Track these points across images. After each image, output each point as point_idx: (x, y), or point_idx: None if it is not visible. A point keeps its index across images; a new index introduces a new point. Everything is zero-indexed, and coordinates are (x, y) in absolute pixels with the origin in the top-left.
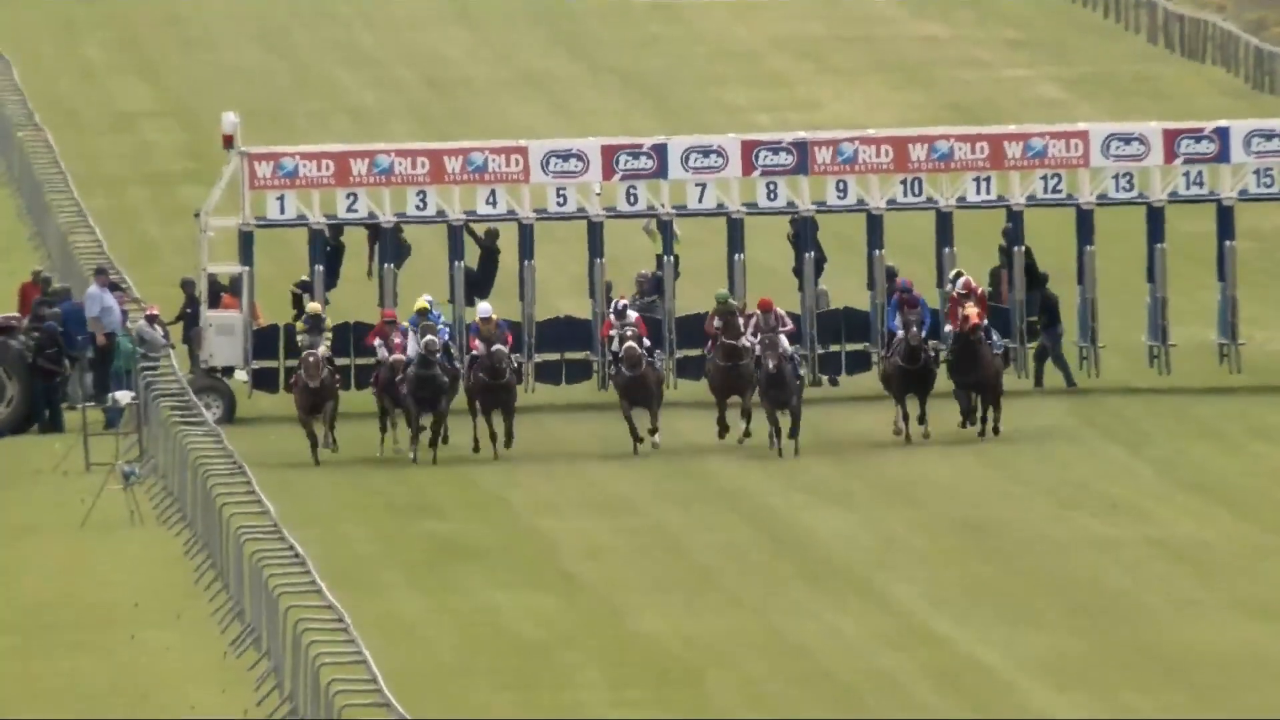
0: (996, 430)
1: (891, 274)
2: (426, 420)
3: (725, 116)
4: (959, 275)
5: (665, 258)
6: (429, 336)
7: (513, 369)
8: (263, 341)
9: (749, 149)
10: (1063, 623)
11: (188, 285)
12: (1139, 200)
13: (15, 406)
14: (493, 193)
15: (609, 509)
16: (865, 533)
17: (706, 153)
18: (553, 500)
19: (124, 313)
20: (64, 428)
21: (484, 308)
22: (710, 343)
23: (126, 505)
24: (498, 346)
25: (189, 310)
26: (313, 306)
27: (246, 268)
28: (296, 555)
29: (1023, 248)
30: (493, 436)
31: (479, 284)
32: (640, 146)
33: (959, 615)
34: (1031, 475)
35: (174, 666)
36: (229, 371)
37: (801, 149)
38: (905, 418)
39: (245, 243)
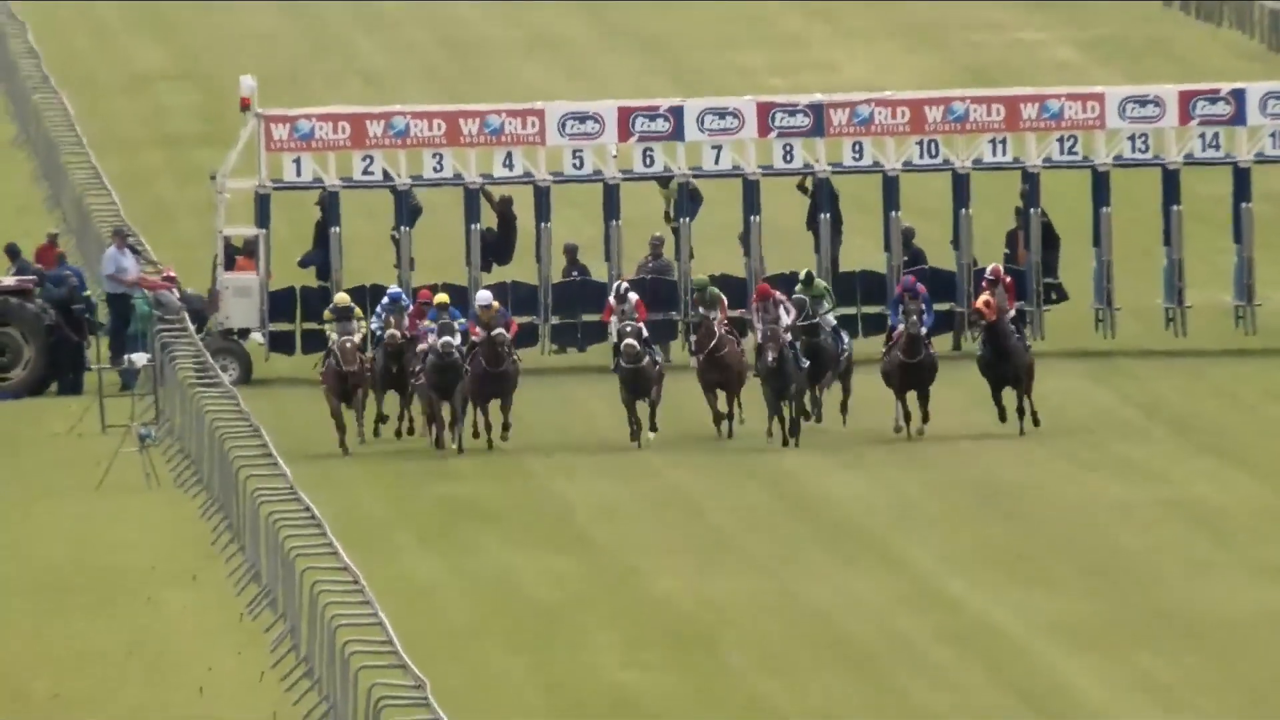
0: (1035, 421)
1: (909, 235)
2: (446, 411)
3: (740, 79)
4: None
5: (682, 220)
6: (446, 338)
7: (512, 358)
8: (279, 304)
9: (765, 111)
10: (1077, 585)
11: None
12: (1155, 162)
13: (32, 369)
14: (509, 155)
15: (624, 472)
16: (880, 495)
17: (722, 115)
18: (568, 463)
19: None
20: (83, 389)
21: (484, 295)
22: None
23: (142, 467)
24: (499, 330)
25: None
26: (341, 297)
27: (263, 230)
28: (313, 517)
29: (1039, 210)
30: (488, 426)
31: (498, 251)
32: (657, 109)
33: (973, 578)
34: (1047, 436)
35: (190, 628)
36: (245, 334)
37: (817, 111)
38: (907, 417)
39: (261, 205)
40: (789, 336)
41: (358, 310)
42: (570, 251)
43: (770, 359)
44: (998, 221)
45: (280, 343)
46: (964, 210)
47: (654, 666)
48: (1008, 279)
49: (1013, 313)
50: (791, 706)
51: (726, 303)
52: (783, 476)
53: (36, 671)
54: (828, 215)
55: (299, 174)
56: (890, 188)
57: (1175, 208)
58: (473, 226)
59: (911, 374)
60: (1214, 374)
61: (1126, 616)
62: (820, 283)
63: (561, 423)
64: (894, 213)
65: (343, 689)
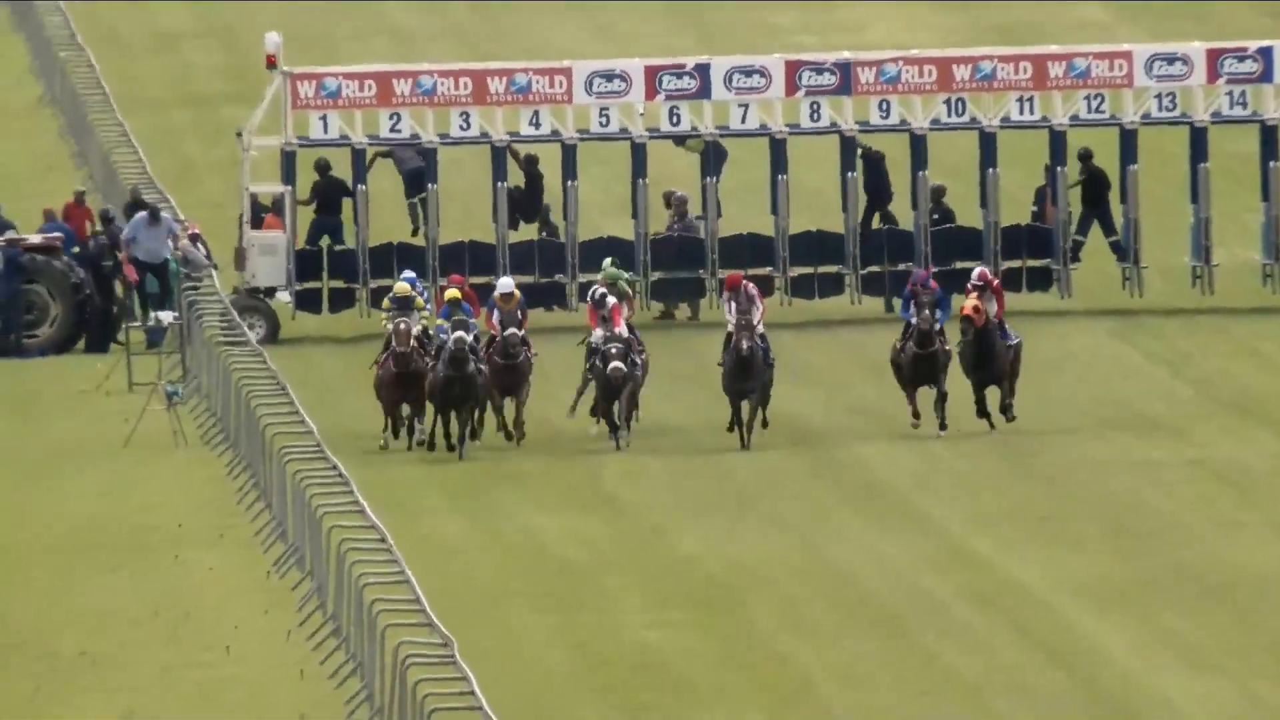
0: (1010, 417)
1: (939, 193)
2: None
3: (768, 37)
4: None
5: (709, 179)
6: (459, 333)
7: (528, 354)
8: (305, 262)
9: (792, 69)
10: (1103, 544)
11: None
12: (1182, 120)
13: (59, 326)
14: (536, 114)
15: (651, 432)
16: (906, 455)
17: (749, 73)
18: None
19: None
20: (110, 348)
21: (505, 283)
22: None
23: (169, 426)
24: (511, 331)
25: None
26: (401, 287)
27: (289, 188)
28: (340, 476)
29: (1065, 168)
30: (502, 425)
31: (524, 208)
32: (683, 67)
33: (999, 537)
34: (1073, 395)
35: (217, 587)
36: (271, 292)
37: (845, 69)
38: (917, 415)
39: (287, 163)
40: (761, 329)
41: (419, 301)
42: (680, 203)
43: (744, 348)
44: (1028, 178)
45: (307, 301)
46: (991, 169)
47: (679, 626)
48: (994, 281)
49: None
50: (817, 666)
51: (633, 297)
52: (809, 437)
53: (64, 629)
54: (853, 174)
55: (325, 132)
56: (918, 146)
57: (1202, 166)
58: (500, 184)
59: (923, 365)
60: (1240, 332)
61: (1152, 575)
62: (613, 271)
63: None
64: (921, 171)
65: (369, 647)
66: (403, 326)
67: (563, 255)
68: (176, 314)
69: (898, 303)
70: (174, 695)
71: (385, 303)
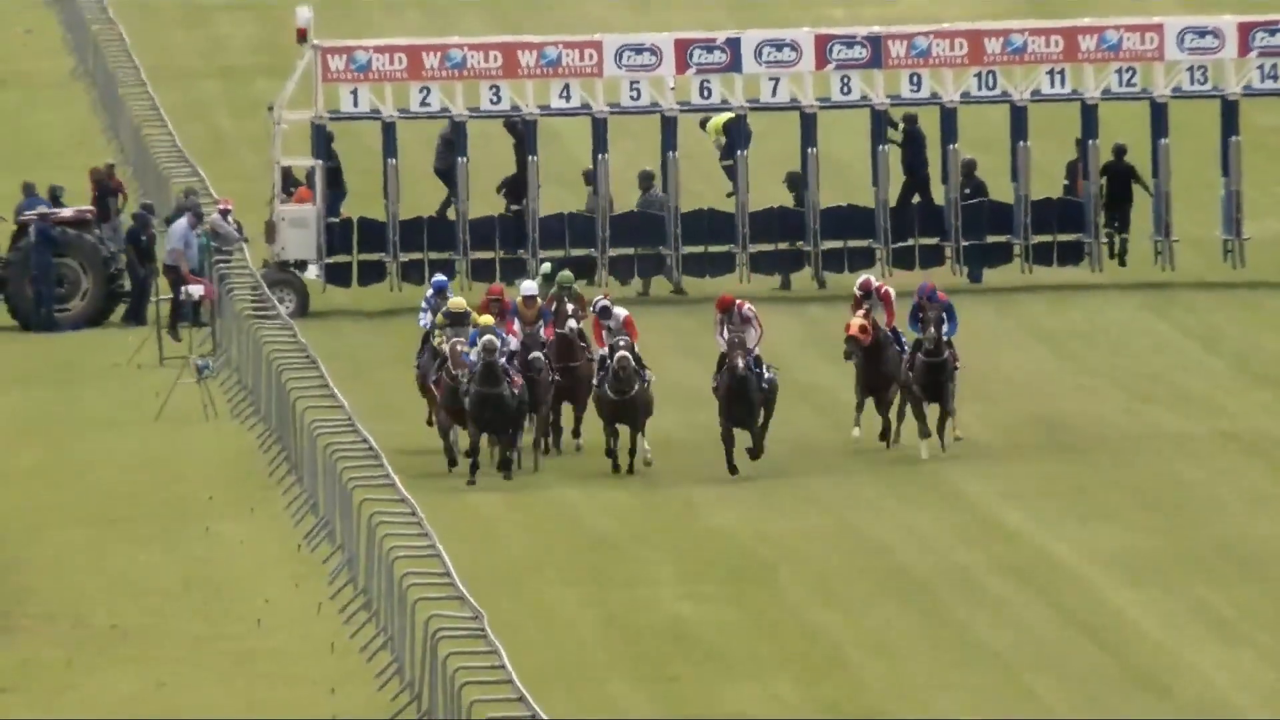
0: (889, 440)
1: (970, 167)
2: (493, 445)
3: (798, 11)
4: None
5: (738, 153)
6: (488, 336)
7: (549, 376)
8: (336, 236)
9: (823, 43)
10: (1135, 517)
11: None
12: (1213, 93)
13: (90, 300)
14: (566, 87)
15: (682, 404)
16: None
17: (780, 46)
18: None
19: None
20: (146, 319)
21: (529, 286)
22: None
23: (200, 399)
24: (535, 355)
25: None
26: (456, 302)
27: (319, 161)
28: (370, 449)
29: (1096, 141)
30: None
31: (517, 186)
32: (714, 40)
33: (1032, 510)
34: (1105, 369)
35: (248, 560)
36: (302, 265)
37: (875, 43)
38: (925, 434)
39: (318, 136)
40: (757, 351)
41: (475, 316)
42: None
43: (739, 366)
44: (1059, 152)
45: (337, 275)
46: (1022, 142)
47: (711, 599)
48: (881, 287)
49: (893, 325)
50: (849, 639)
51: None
52: (840, 409)
53: (95, 601)
54: (885, 147)
55: (356, 105)
56: (948, 119)
57: (1234, 139)
58: (530, 158)
59: (933, 373)
60: (1272, 305)
61: (1184, 548)
62: (566, 274)
63: None
64: (952, 145)
65: (400, 620)
66: (459, 347)
67: (593, 229)
68: (207, 287)
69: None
70: (205, 667)
71: (439, 318)
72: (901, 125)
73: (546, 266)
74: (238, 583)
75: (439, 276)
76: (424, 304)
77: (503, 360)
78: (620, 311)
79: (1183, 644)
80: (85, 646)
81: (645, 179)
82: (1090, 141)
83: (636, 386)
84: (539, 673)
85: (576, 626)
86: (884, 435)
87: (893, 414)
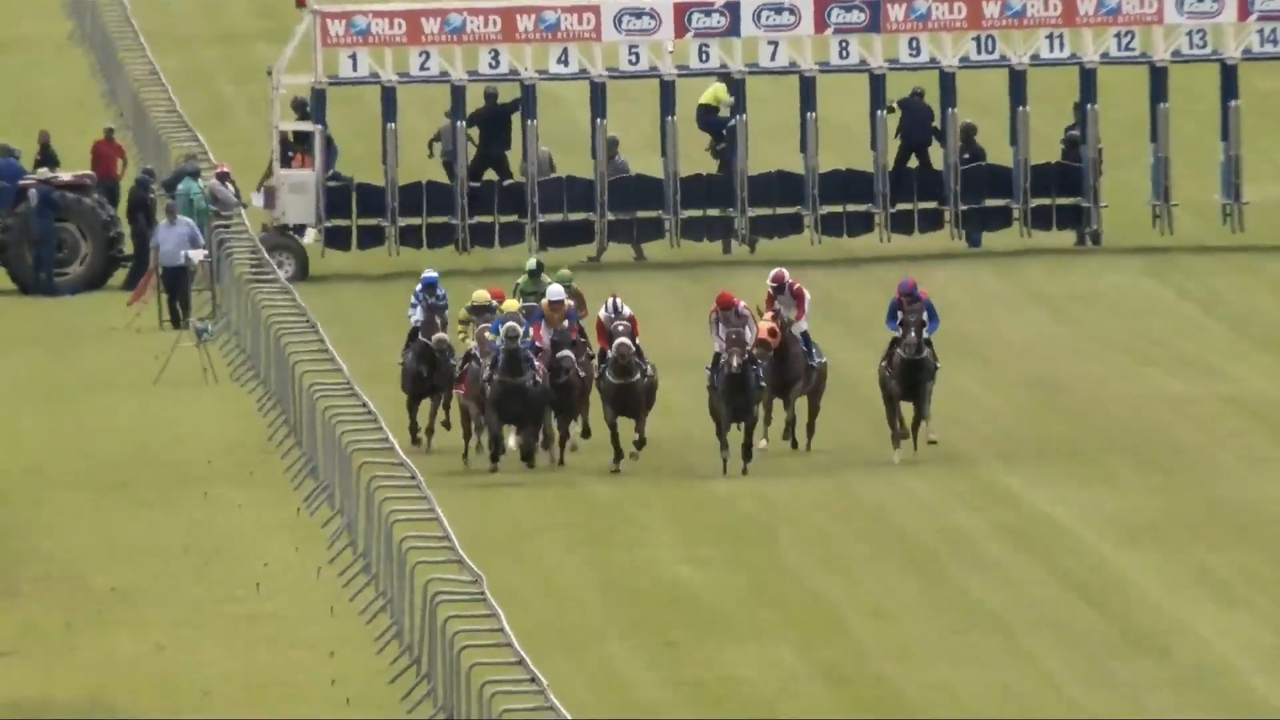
0: (806, 444)
1: (970, 132)
2: (511, 436)
3: None
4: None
5: (739, 116)
6: (510, 323)
7: (578, 373)
8: (335, 199)
9: (822, 6)
10: (1135, 480)
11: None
12: (1213, 57)
13: (89, 265)
14: (565, 51)
15: (681, 367)
16: (938, 390)
17: (779, 10)
18: None
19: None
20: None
21: (555, 290)
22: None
23: (200, 362)
24: (564, 353)
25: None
26: (480, 295)
27: (319, 126)
28: (369, 413)
29: (1095, 105)
30: (558, 439)
31: (496, 159)
32: (712, 4)
33: (1031, 473)
34: (1105, 332)
35: (247, 523)
36: (301, 230)
37: (874, 7)
38: (900, 439)
39: (318, 101)
40: (755, 350)
41: (501, 308)
42: (611, 145)
43: (735, 365)
44: (1057, 117)
45: (336, 238)
46: (1021, 107)
47: (710, 563)
48: (794, 284)
49: (804, 325)
50: (848, 603)
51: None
52: (838, 372)
53: (95, 565)
54: (882, 112)
55: (355, 70)
56: (947, 84)
57: (1233, 103)
58: (529, 123)
59: (911, 371)
60: (1272, 269)
61: (1183, 511)
62: (565, 273)
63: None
64: (950, 109)
65: (399, 584)
66: (487, 336)
67: (591, 194)
68: (207, 252)
69: (926, 240)
70: (204, 630)
71: (462, 313)
72: (895, 108)
73: (532, 262)
74: (237, 546)
75: (429, 272)
76: (413, 299)
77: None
78: (626, 310)
79: (1181, 606)
80: (85, 609)
81: (610, 145)
82: (1089, 106)
83: (638, 374)
84: (538, 636)
85: (576, 590)
86: (788, 434)
87: (802, 408)
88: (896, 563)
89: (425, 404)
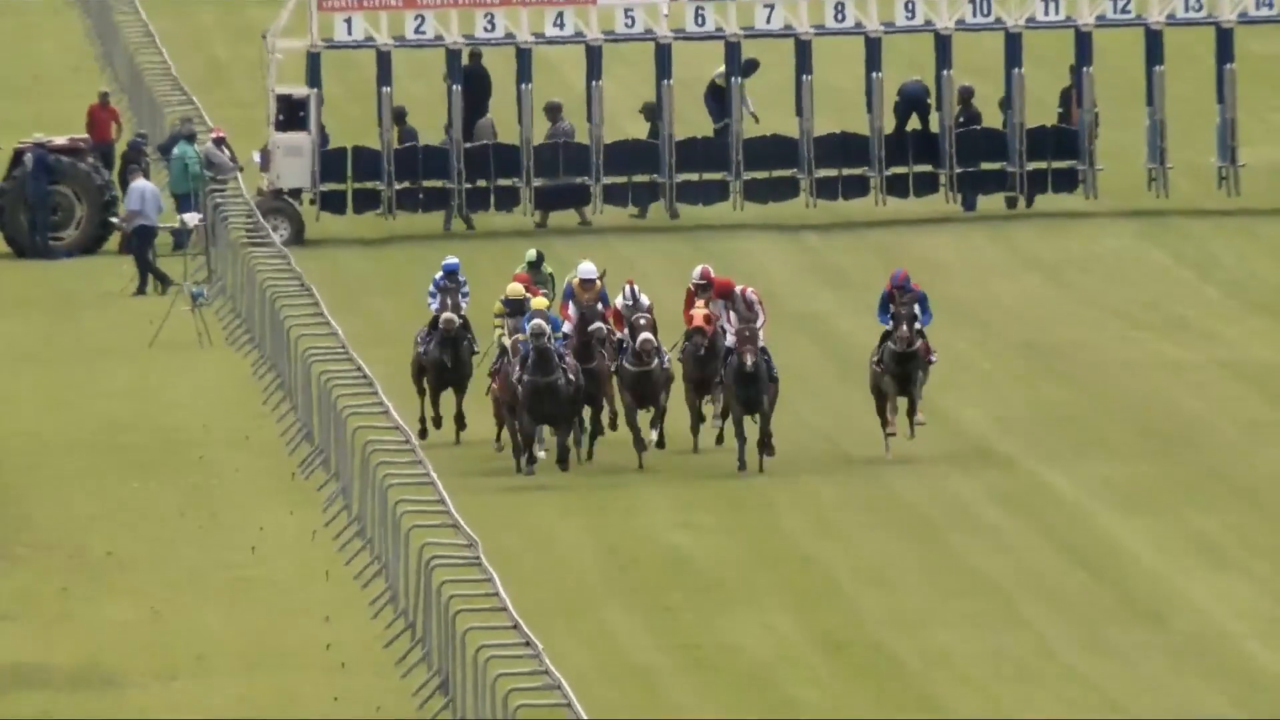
0: (720, 439)
1: (967, 94)
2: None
3: None
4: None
5: (732, 79)
6: (536, 320)
7: (609, 356)
8: (330, 164)
9: None
10: (1131, 445)
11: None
12: (1208, 20)
13: (84, 228)
14: (560, 14)
15: (674, 331)
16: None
17: None
18: None
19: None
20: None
21: (586, 268)
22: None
23: (195, 326)
24: (597, 324)
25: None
26: (514, 288)
27: (314, 89)
28: (364, 376)
29: (1091, 68)
30: (583, 438)
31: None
32: None
33: (1026, 439)
34: (1100, 297)
35: (242, 487)
36: (296, 193)
37: None
38: (893, 411)
39: (313, 64)
40: (763, 341)
41: (531, 303)
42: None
43: (749, 363)
44: (1052, 80)
45: (331, 202)
46: (1017, 70)
47: (708, 529)
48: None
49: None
50: (844, 568)
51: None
52: (834, 337)
53: (91, 529)
54: (879, 74)
55: (350, 33)
56: (943, 47)
57: (1229, 66)
58: (523, 86)
59: (903, 363)
60: (1267, 232)
61: (1180, 476)
62: (590, 266)
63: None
64: (946, 71)
65: (394, 548)
66: (519, 338)
67: (586, 157)
68: (201, 216)
69: (922, 203)
70: (200, 595)
71: (497, 305)
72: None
73: (532, 253)
74: (232, 511)
75: (449, 259)
76: (432, 287)
77: (556, 344)
78: (645, 300)
79: (1178, 572)
80: (81, 574)
81: (553, 110)
82: (1085, 69)
83: (655, 361)
84: (534, 601)
85: (573, 555)
86: (695, 429)
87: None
88: (893, 529)
89: (445, 396)
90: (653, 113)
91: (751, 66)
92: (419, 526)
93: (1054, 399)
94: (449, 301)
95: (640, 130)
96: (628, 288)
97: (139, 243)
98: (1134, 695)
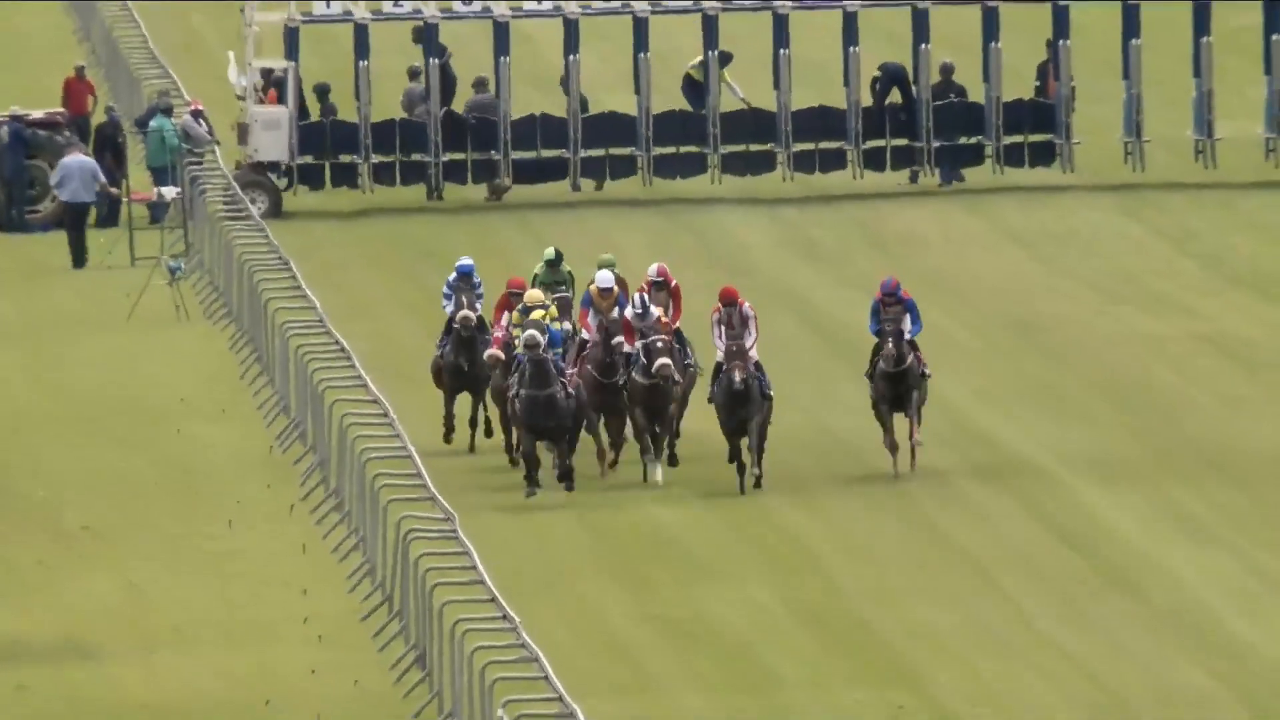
0: (672, 456)
1: (948, 71)
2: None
3: None
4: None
5: (709, 53)
6: (530, 331)
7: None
8: (309, 136)
9: None
10: (1109, 419)
11: None
12: None
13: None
14: None
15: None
16: None
17: None
18: None
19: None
20: (119, 221)
21: (605, 276)
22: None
23: (172, 300)
24: (618, 339)
25: None
26: (533, 295)
27: (292, 63)
28: (342, 349)
29: (1068, 41)
30: (608, 448)
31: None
32: None
33: (1006, 412)
34: (1078, 270)
35: (220, 461)
36: (275, 167)
37: None
38: (894, 449)
39: (290, 38)
40: (755, 356)
41: (553, 310)
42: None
43: (738, 380)
44: (1030, 53)
45: (309, 176)
46: (994, 43)
47: (687, 503)
48: (674, 282)
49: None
50: (823, 540)
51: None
52: (814, 311)
53: (67, 502)
54: (857, 49)
55: (328, 7)
56: (920, 21)
57: (1205, 39)
58: (502, 59)
59: (894, 384)
60: (1244, 206)
61: (1158, 450)
62: (609, 257)
63: (589, 253)
64: (924, 45)
65: (372, 522)
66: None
67: (565, 130)
68: (179, 189)
69: (899, 177)
70: (177, 568)
71: (515, 315)
72: (877, 73)
73: (550, 251)
74: (210, 484)
75: (464, 260)
76: (446, 289)
77: (554, 357)
78: (655, 310)
79: (1156, 545)
80: (58, 546)
81: (480, 84)
82: (1061, 42)
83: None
84: (512, 574)
85: (552, 529)
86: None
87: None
88: (871, 500)
89: (462, 399)
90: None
91: (726, 59)
92: (396, 500)
93: (1033, 372)
94: (464, 300)
95: (616, 103)
96: (638, 297)
97: (71, 219)
98: (1113, 667)
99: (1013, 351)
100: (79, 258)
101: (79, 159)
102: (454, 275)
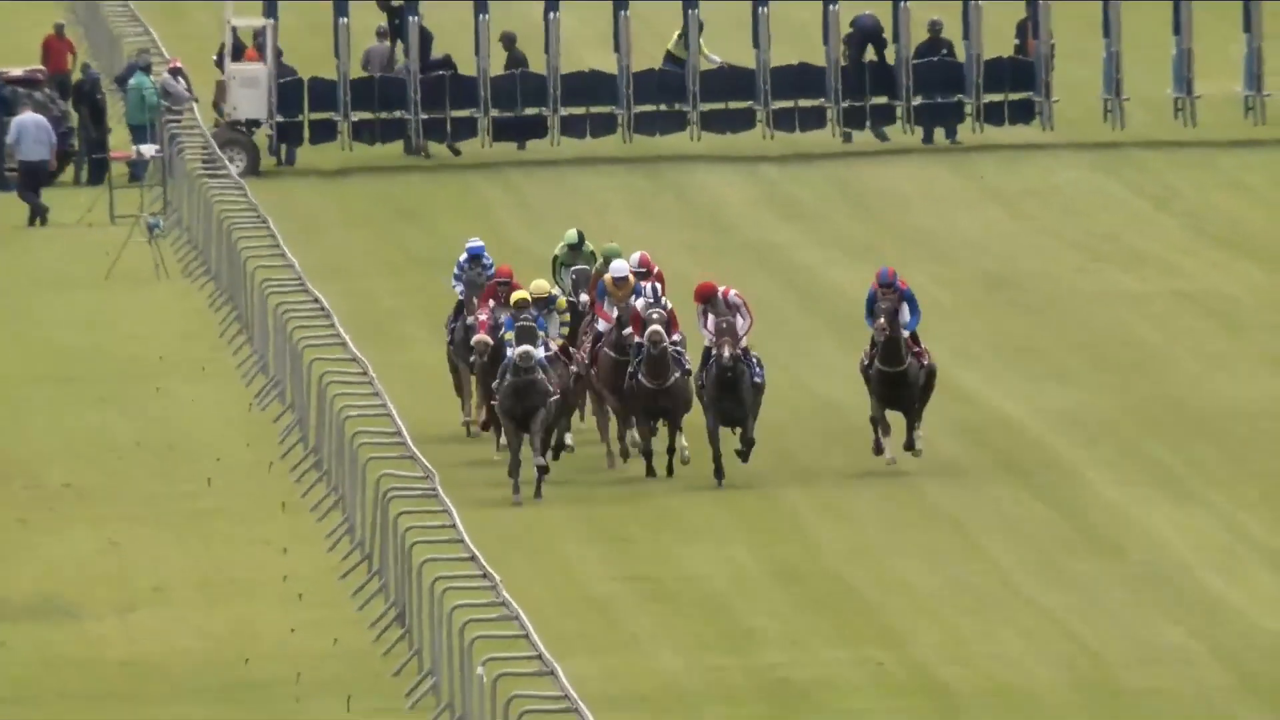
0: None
1: (937, 28)
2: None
3: None
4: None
5: (690, 11)
6: (525, 347)
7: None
8: (286, 94)
9: None
10: (1088, 377)
11: None
12: None
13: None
14: None
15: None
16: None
17: None
18: None
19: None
20: (104, 179)
21: (619, 265)
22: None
23: (151, 258)
24: (627, 330)
25: None
26: (539, 285)
27: (270, 20)
28: (321, 308)
29: (1046, 0)
30: (628, 448)
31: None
32: None
33: (986, 370)
34: (1059, 228)
35: (199, 419)
36: (253, 125)
37: None
38: (886, 431)
39: None
40: (745, 343)
41: (561, 301)
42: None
43: (726, 356)
44: (1010, 11)
45: (287, 134)
46: (974, 1)
47: (664, 460)
48: (655, 269)
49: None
50: (801, 498)
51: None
52: (793, 269)
53: (48, 461)
54: (836, 6)
55: None
56: None
57: None
58: (481, 18)
59: (890, 385)
60: (1224, 164)
61: (1138, 408)
62: (614, 246)
63: (570, 211)
64: (903, 2)
65: (351, 480)
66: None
67: (544, 88)
68: (158, 147)
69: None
70: (157, 526)
71: (510, 319)
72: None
73: (573, 234)
74: (189, 442)
75: (474, 241)
76: (456, 270)
77: (542, 353)
78: (667, 304)
79: (1136, 504)
80: (39, 505)
81: (381, 33)
82: (1040, 0)
83: (675, 375)
84: (491, 533)
85: (530, 487)
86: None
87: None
88: (849, 457)
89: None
90: (511, 42)
91: (699, 28)
92: (376, 458)
93: (1013, 330)
94: (475, 300)
95: (596, 61)
96: (647, 286)
97: (25, 178)
98: (1092, 626)
99: (993, 309)
100: (37, 215)
101: (34, 116)
102: (464, 256)
